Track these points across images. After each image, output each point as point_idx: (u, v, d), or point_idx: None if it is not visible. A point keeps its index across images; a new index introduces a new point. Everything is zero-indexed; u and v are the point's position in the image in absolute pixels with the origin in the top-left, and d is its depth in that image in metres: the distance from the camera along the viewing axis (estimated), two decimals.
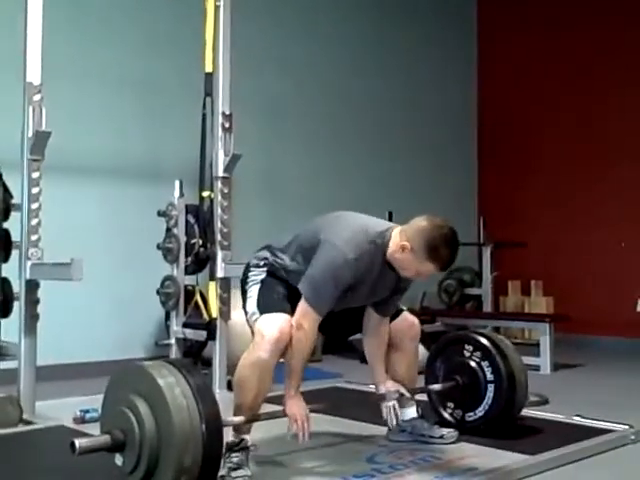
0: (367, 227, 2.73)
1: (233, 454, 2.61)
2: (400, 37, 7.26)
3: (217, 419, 2.27)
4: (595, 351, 6.33)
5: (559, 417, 3.58)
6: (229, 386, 3.87)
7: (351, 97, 6.87)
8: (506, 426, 3.24)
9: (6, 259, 3.82)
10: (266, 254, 2.88)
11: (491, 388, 3.21)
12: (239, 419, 2.62)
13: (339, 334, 3.34)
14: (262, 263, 2.87)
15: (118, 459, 2.32)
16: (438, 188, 7.32)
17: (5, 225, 3.83)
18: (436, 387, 3.32)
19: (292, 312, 2.70)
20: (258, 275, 2.86)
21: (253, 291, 2.83)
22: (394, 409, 2.95)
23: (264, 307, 2.75)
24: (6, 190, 3.81)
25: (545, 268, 7.34)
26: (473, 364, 3.26)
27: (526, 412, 3.58)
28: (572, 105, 7.26)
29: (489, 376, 3.22)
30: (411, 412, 3.14)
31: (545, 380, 5.06)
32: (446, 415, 3.34)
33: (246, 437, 2.66)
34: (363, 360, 5.52)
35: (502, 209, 7.59)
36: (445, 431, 3.11)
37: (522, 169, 7.62)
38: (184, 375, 2.28)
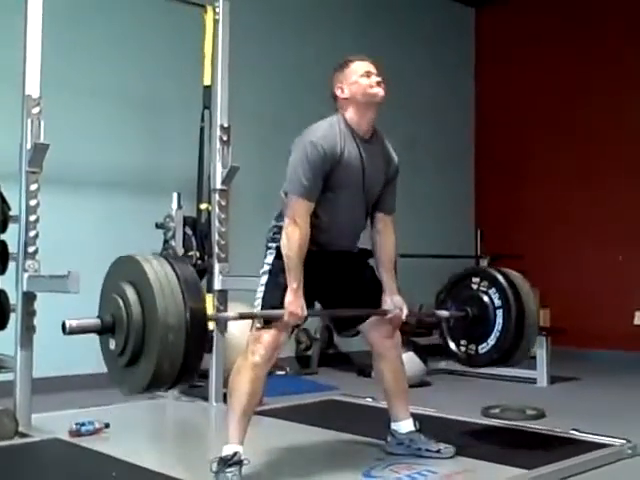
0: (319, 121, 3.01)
1: (227, 469, 2.62)
2: (400, 55, 7.25)
3: (198, 290, 2.42)
4: (592, 364, 6.33)
5: (556, 431, 3.57)
6: (225, 399, 3.85)
7: None
8: (519, 357, 3.22)
9: (3, 271, 3.81)
10: (277, 223, 2.96)
11: (500, 313, 3.17)
12: (234, 314, 2.77)
13: (346, 323, 3.25)
14: (275, 237, 2.91)
15: (112, 344, 2.45)
16: (435, 200, 7.32)
17: (2, 237, 3.83)
18: (444, 313, 3.30)
19: None
20: (270, 254, 2.90)
21: (263, 277, 2.88)
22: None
23: (266, 305, 2.82)
24: (4, 202, 3.81)
25: (542, 280, 7.29)
26: (481, 294, 3.24)
27: (523, 426, 3.59)
28: (569, 120, 7.29)
29: (497, 302, 3.18)
30: (408, 425, 3.13)
31: (541, 393, 5.06)
32: (460, 353, 3.31)
33: (239, 450, 2.67)
34: (360, 373, 5.59)
35: (499, 221, 7.60)
36: (442, 446, 3.09)
37: (519, 182, 7.65)
38: (170, 262, 2.45)
